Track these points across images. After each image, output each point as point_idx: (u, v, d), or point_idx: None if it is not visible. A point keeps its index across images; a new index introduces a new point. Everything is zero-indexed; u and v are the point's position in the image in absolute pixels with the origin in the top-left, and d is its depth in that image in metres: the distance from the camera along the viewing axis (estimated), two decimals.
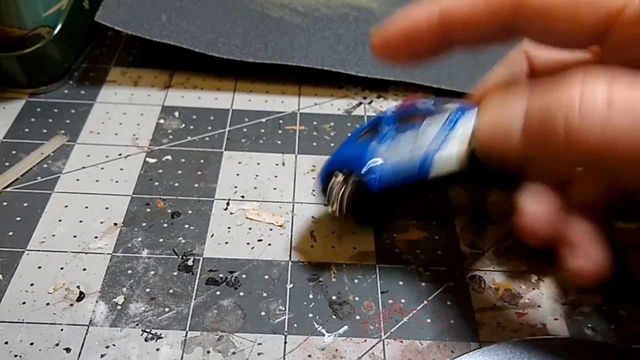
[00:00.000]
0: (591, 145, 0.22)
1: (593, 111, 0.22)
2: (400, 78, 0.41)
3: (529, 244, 0.27)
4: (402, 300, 0.30)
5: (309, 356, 0.27)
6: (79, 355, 0.27)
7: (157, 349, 0.27)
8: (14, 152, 0.36)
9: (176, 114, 0.40)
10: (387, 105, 0.41)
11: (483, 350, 0.26)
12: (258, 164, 0.37)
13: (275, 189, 0.35)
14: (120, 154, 0.37)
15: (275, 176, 0.36)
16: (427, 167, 0.26)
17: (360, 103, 0.41)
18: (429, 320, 0.29)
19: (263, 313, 0.29)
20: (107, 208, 0.33)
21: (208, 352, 0.27)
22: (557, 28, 0.25)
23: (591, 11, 0.25)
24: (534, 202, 0.27)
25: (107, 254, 0.31)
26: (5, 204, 0.33)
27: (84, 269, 0.30)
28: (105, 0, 0.42)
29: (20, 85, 0.40)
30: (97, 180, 0.35)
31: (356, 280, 0.31)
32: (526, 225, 0.26)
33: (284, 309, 0.29)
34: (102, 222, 0.33)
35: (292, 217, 0.34)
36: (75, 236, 0.32)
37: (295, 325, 0.28)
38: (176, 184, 0.35)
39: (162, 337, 0.28)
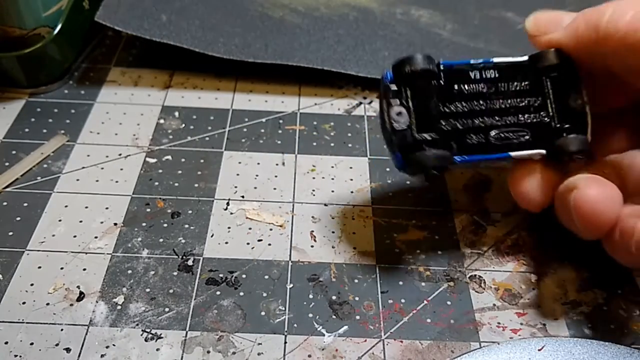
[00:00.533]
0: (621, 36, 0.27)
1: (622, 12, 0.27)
2: None
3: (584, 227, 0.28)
4: (402, 300, 0.30)
5: (309, 356, 0.27)
6: (79, 355, 0.27)
7: (157, 349, 0.27)
8: (14, 152, 0.36)
9: (176, 114, 0.40)
10: None
11: (483, 350, 0.26)
12: (258, 164, 0.37)
13: (275, 189, 0.35)
14: (120, 154, 0.37)
15: (275, 176, 0.36)
16: None
17: (360, 103, 0.41)
18: (429, 320, 0.29)
19: (263, 313, 0.29)
20: (107, 208, 0.33)
21: (208, 352, 0.27)
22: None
23: None
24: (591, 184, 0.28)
25: (107, 254, 0.31)
26: (5, 204, 0.33)
27: (84, 269, 0.30)
28: (105, 0, 0.42)
29: (20, 85, 0.40)
30: (97, 180, 0.35)
31: (356, 280, 0.31)
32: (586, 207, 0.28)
33: (284, 309, 0.29)
34: (102, 222, 0.33)
35: (292, 217, 0.34)
36: (75, 236, 0.32)
37: (295, 325, 0.28)
38: (176, 184, 0.35)
39: (162, 337, 0.28)
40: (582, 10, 0.29)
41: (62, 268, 0.30)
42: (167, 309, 0.29)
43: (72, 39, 0.41)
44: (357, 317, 0.29)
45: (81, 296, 0.29)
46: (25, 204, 0.33)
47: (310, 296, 0.30)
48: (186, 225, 0.33)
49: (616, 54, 0.28)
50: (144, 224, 0.33)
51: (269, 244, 0.32)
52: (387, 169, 0.37)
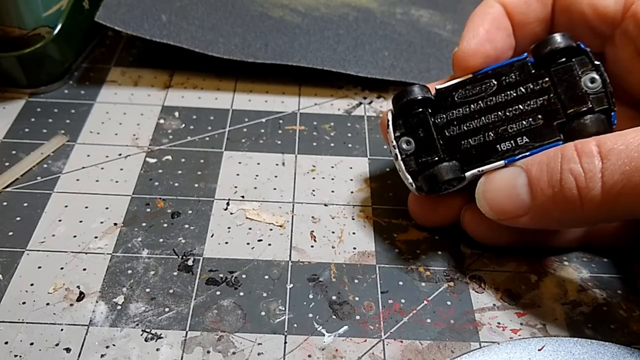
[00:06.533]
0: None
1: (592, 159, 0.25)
2: (400, 78, 0.41)
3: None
4: (402, 300, 0.30)
5: (309, 356, 0.27)
6: (79, 355, 0.27)
7: (157, 349, 0.27)
8: (14, 152, 0.36)
9: (176, 114, 0.40)
10: (387, 105, 0.41)
11: (483, 350, 0.26)
12: (258, 164, 0.37)
13: (275, 189, 0.35)
14: (120, 154, 0.37)
15: (275, 176, 0.36)
16: None
17: (360, 103, 0.41)
18: (429, 320, 0.29)
19: (263, 313, 0.29)
20: (107, 208, 0.33)
21: (208, 352, 0.27)
22: (581, 17, 0.29)
23: (612, 1, 0.29)
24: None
25: (107, 254, 0.31)
26: (5, 204, 0.33)
27: (84, 269, 0.30)
28: (105, 0, 0.42)
29: (20, 85, 0.40)
30: (97, 180, 0.35)
31: (356, 280, 0.31)
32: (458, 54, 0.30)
33: (284, 309, 0.29)
34: (102, 222, 0.33)
35: (292, 217, 0.34)
36: (75, 236, 0.32)
37: (295, 325, 0.28)
38: (176, 184, 0.35)
39: (162, 337, 0.28)
40: (533, 168, 0.27)
41: (62, 268, 0.30)
42: (167, 309, 0.29)
43: (72, 39, 0.41)
44: (357, 317, 0.29)
45: (81, 296, 0.29)
46: (25, 204, 0.33)
47: (310, 296, 0.30)
48: (186, 225, 0.33)
49: (603, 219, 0.27)
50: (144, 224, 0.33)
51: (269, 244, 0.32)
52: (387, 169, 0.37)
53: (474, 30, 0.30)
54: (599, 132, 0.27)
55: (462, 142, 0.29)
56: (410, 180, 0.30)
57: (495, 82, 0.29)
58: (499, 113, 0.29)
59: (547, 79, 0.29)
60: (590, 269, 0.32)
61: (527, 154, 0.28)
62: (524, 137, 0.29)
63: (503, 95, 0.29)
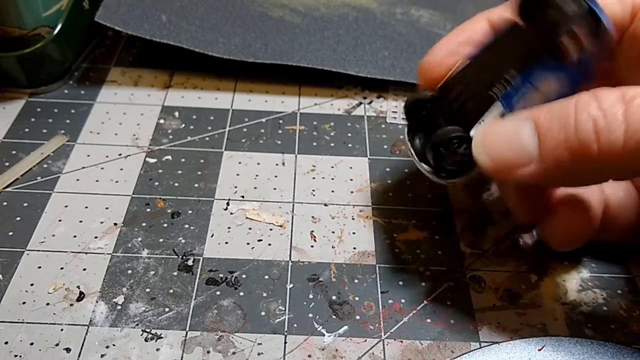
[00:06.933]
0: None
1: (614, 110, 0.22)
2: (400, 78, 0.41)
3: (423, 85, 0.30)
4: (402, 300, 0.30)
5: (309, 356, 0.27)
6: (79, 355, 0.27)
7: (157, 349, 0.27)
8: (14, 152, 0.36)
9: (176, 114, 0.40)
10: (387, 105, 0.41)
11: (483, 350, 0.26)
12: (258, 164, 0.37)
13: (275, 189, 0.35)
14: (120, 154, 0.37)
15: (275, 176, 0.36)
16: None
17: (360, 103, 0.41)
18: (429, 320, 0.29)
19: (263, 313, 0.29)
20: (107, 208, 0.33)
21: (208, 352, 0.27)
22: None
23: (618, 6, 0.27)
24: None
25: (107, 254, 0.31)
26: (5, 204, 0.33)
27: (84, 269, 0.30)
28: (105, 0, 0.42)
29: (20, 85, 0.40)
30: (97, 180, 0.35)
31: (356, 280, 0.31)
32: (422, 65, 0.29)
33: (284, 309, 0.29)
34: (102, 222, 0.33)
35: (292, 217, 0.34)
36: (75, 236, 0.32)
37: (295, 325, 0.28)
38: (176, 184, 0.35)
39: (162, 337, 0.28)
40: (541, 115, 0.24)
41: (62, 268, 0.30)
42: (167, 309, 0.29)
43: (72, 39, 0.41)
44: (357, 317, 0.29)
45: (81, 296, 0.29)
46: (25, 204, 0.33)
47: (310, 296, 0.30)
48: (186, 225, 0.33)
49: (619, 171, 0.24)
50: (144, 224, 0.33)
51: (269, 244, 0.32)
52: (387, 169, 0.37)
53: (446, 43, 0.30)
54: (576, 14, 0.25)
55: (462, 107, 0.28)
56: (426, 166, 0.29)
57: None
58: (487, 65, 0.28)
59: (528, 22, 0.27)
60: (590, 269, 0.32)
61: (523, 88, 0.26)
62: (511, 70, 0.27)
63: (488, 52, 0.28)
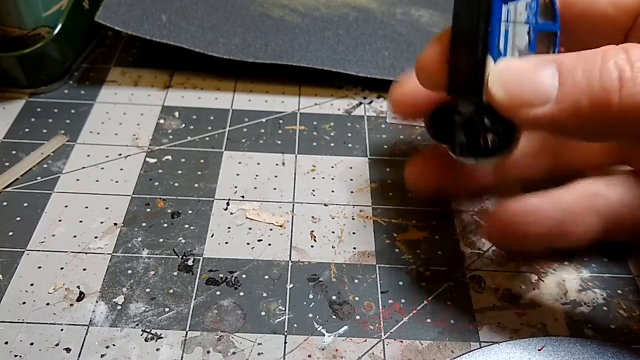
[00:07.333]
0: None
1: None
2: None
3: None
4: (402, 300, 0.30)
5: (309, 356, 0.27)
6: (79, 355, 0.27)
7: (157, 349, 0.27)
8: (14, 152, 0.36)
9: (176, 114, 0.40)
10: (387, 105, 0.41)
11: (483, 350, 0.26)
12: (258, 164, 0.37)
13: (275, 189, 0.35)
14: (120, 154, 0.37)
15: (275, 176, 0.36)
16: None
17: (360, 103, 0.41)
18: (429, 320, 0.29)
19: (263, 313, 0.29)
20: (107, 208, 0.33)
21: (208, 352, 0.27)
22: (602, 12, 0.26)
23: None
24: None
25: (107, 254, 0.31)
26: (5, 204, 0.33)
27: (84, 269, 0.30)
28: (105, 0, 0.42)
29: (20, 85, 0.40)
30: (97, 180, 0.35)
31: (356, 280, 0.31)
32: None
33: (284, 309, 0.29)
34: (102, 222, 0.33)
35: (292, 217, 0.34)
36: (75, 236, 0.32)
37: (295, 325, 0.28)
38: (176, 184, 0.35)
39: (162, 337, 0.28)
40: (565, 59, 0.23)
41: (62, 268, 0.30)
42: (167, 309, 0.29)
43: (72, 39, 0.41)
44: (357, 317, 0.29)
45: (81, 296, 0.29)
46: (25, 204, 0.33)
47: (310, 296, 0.30)
48: (186, 225, 0.33)
49: (634, 128, 0.23)
50: (144, 224, 0.33)
51: (269, 244, 0.32)
52: (387, 169, 0.37)
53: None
54: None
55: (464, 85, 0.27)
56: (458, 149, 0.28)
57: None
58: (460, 41, 0.26)
59: None
60: (590, 269, 0.32)
61: (495, 29, 0.25)
62: (480, 24, 0.25)
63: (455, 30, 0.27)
